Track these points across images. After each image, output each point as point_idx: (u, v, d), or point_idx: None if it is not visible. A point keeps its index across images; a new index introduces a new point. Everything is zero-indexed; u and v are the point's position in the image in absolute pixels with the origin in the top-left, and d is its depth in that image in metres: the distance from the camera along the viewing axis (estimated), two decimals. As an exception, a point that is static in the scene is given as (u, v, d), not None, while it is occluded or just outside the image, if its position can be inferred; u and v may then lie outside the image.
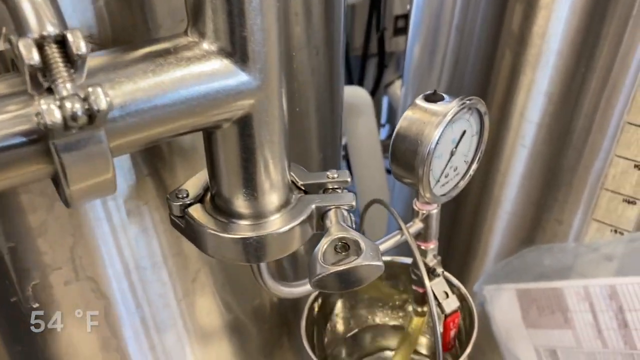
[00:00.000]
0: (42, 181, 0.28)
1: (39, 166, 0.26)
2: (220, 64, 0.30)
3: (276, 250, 0.37)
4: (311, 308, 0.57)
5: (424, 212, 0.49)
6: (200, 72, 0.29)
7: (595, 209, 0.58)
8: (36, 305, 0.38)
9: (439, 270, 0.52)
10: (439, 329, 0.49)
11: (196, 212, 0.37)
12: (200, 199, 0.38)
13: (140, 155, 0.38)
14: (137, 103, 0.27)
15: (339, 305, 0.64)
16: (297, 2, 0.42)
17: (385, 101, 1.43)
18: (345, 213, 0.38)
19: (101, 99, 0.23)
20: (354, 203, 0.38)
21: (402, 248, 0.50)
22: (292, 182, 0.39)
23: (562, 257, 0.62)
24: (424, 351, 0.67)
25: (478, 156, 0.48)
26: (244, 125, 0.32)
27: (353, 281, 0.34)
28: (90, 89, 0.23)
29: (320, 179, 0.39)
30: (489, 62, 0.61)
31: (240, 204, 0.35)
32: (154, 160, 0.39)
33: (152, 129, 0.29)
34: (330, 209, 0.37)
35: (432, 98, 0.44)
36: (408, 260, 0.56)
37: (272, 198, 0.36)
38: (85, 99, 0.23)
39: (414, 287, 0.55)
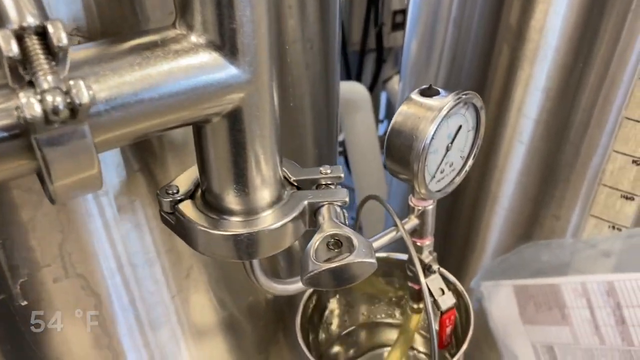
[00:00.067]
0: (29, 177, 0.28)
1: (22, 162, 0.25)
2: (209, 57, 0.29)
3: (268, 247, 0.36)
4: (306, 305, 0.56)
5: (420, 208, 0.49)
6: (188, 65, 0.29)
7: (593, 205, 0.58)
8: (25, 303, 0.38)
9: (435, 266, 0.52)
10: (435, 326, 0.49)
11: (186, 208, 0.36)
12: (190, 195, 0.37)
13: (131, 150, 0.38)
14: (123, 97, 0.27)
15: (334, 302, 0.64)
16: (290, -6, 0.42)
17: (383, 97, 1.43)
18: (339, 209, 0.37)
19: (83, 92, 0.22)
20: (347, 199, 0.38)
21: (399, 244, 0.50)
22: (284, 177, 0.38)
23: (559, 253, 0.62)
24: (420, 348, 0.66)
25: (474, 152, 0.48)
26: (234, 119, 0.31)
27: (346, 278, 0.34)
28: (72, 82, 0.23)
29: (313, 174, 0.39)
30: (487, 58, 0.60)
31: (231, 200, 0.35)
32: (145, 155, 0.39)
33: (139, 123, 0.28)
34: (322, 205, 0.37)
35: (428, 92, 0.43)
36: (404, 256, 0.55)
37: (263, 194, 0.35)
38: (67, 92, 0.22)
39: (409, 284, 0.54)
